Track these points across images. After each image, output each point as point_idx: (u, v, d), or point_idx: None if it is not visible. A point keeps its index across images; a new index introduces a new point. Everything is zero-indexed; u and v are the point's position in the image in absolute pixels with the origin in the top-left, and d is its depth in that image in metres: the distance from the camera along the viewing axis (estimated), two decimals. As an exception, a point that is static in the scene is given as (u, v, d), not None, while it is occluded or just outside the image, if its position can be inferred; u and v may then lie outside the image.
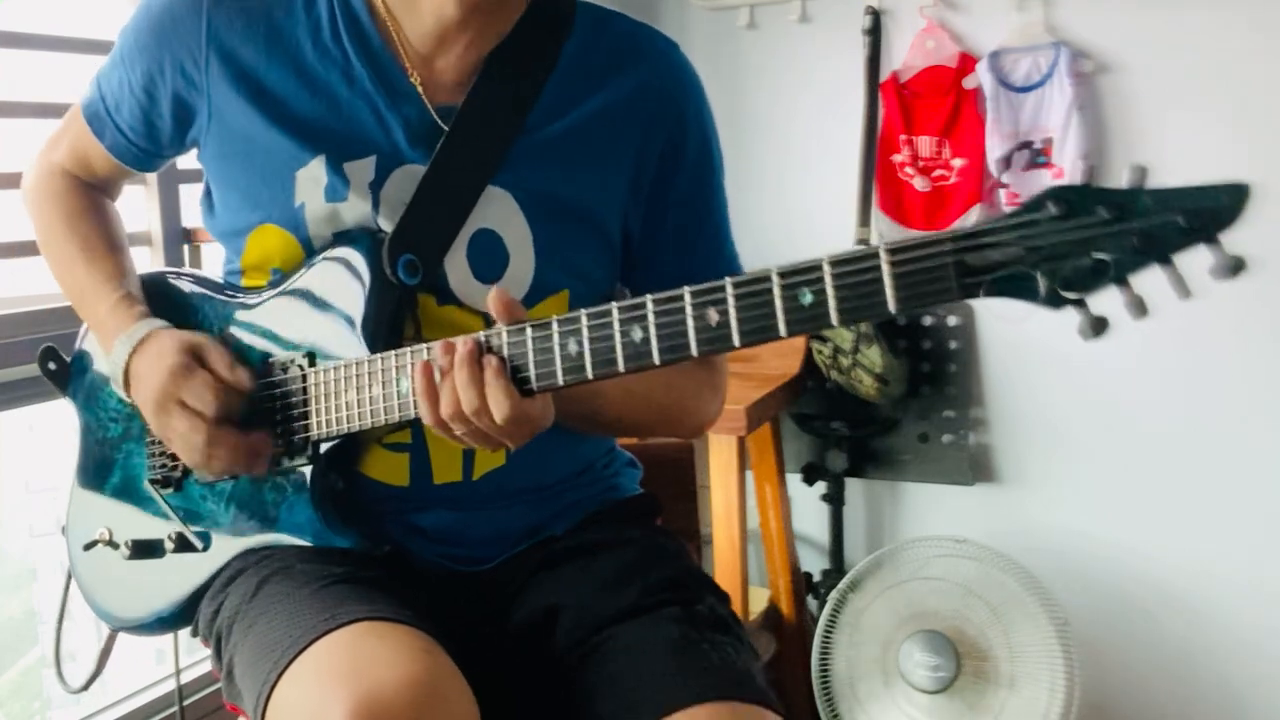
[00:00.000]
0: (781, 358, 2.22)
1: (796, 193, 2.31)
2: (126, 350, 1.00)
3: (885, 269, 0.70)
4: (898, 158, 2.19)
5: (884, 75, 2.19)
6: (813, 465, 2.30)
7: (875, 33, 2.18)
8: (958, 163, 2.14)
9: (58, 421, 1.18)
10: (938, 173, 2.17)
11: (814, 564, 2.35)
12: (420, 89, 0.99)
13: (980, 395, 2.22)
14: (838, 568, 2.27)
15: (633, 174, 1.03)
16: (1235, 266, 0.64)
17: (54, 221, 1.12)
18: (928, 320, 2.23)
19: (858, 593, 2.06)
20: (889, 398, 2.16)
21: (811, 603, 2.30)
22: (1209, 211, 0.64)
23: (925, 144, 2.17)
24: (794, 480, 2.30)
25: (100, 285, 1.06)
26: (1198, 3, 1.96)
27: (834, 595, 2.07)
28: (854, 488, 2.36)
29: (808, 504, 2.35)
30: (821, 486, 2.30)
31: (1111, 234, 0.66)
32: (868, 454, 2.29)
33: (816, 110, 2.28)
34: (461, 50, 0.99)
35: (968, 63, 2.10)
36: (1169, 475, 2.09)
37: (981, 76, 2.08)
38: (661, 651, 0.89)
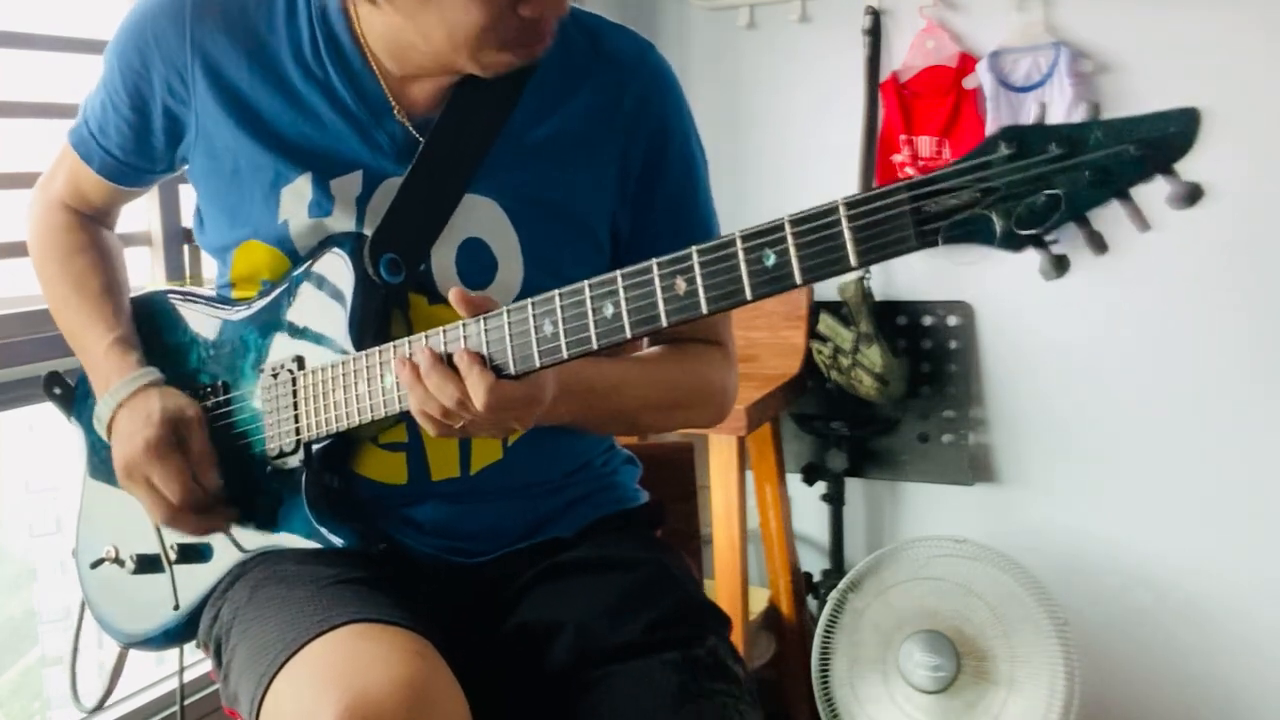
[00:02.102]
0: (781, 358, 2.22)
1: (796, 193, 2.30)
2: (112, 405, 1.02)
3: (844, 223, 0.70)
4: (898, 158, 2.19)
5: (884, 75, 2.19)
6: (813, 465, 2.30)
7: (875, 32, 2.18)
8: (958, 163, 2.14)
9: (58, 421, 1.18)
10: (938, 173, 2.17)
11: (814, 564, 2.35)
12: (401, 105, 0.99)
13: (980, 395, 2.22)
14: (838, 568, 2.27)
15: (618, 176, 1.03)
16: (1192, 194, 0.63)
17: (48, 259, 1.12)
18: (928, 320, 2.23)
19: (858, 593, 2.06)
20: (889, 398, 2.16)
21: (811, 603, 2.30)
22: (1161, 140, 0.64)
23: (925, 144, 2.16)
24: (794, 480, 2.30)
25: (92, 328, 1.07)
26: (1198, 3, 1.96)
27: (834, 595, 2.07)
28: (854, 488, 2.36)
29: (808, 504, 2.35)
30: (821, 486, 2.30)
31: (1064, 169, 0.66)
32: (868, 454, 2.29)
33: (816, 110, 2.27)
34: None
35: (968, 63, 2.10)
36: (1169, 475, 2.09)
37: (981, 76, 2.08)
38: (659, 705, 0.88)
